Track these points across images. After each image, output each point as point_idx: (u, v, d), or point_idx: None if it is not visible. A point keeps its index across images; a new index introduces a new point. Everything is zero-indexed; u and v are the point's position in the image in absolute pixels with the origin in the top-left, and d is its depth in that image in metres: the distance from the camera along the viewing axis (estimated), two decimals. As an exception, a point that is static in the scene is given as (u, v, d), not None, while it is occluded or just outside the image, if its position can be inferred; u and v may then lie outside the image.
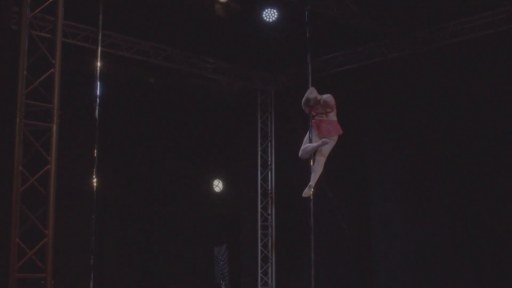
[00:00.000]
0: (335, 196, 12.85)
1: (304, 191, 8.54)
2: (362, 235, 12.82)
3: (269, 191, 14.15)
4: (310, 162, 8.54)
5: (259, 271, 13.83)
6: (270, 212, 14.09)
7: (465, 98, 11.36)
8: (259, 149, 14.29)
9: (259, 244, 13.93)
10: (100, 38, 9.93)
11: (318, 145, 8.23)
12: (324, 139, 8.15)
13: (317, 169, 8.31)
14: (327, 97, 8.28)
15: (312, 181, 8.36)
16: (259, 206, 14.07)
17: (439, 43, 11.54)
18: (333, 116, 8.36)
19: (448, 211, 11.62)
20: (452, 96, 11.56)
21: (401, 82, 12.32)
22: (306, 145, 8.37)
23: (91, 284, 9.42)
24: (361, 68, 12.62)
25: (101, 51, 9.98)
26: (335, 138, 8.29)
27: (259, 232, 13.97)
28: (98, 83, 9.89)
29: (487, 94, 11.07)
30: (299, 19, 10.48)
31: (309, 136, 8.32)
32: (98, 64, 9.87)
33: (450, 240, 11.57)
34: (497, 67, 10.98)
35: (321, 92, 8.47)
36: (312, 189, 8.55)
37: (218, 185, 14.66)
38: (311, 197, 9.00)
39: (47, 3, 7.81)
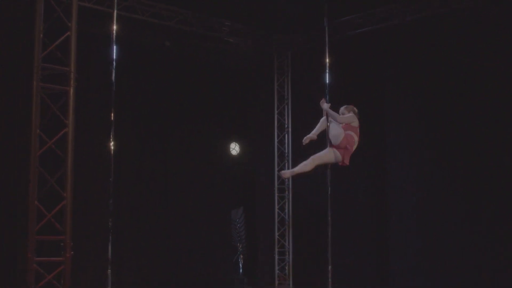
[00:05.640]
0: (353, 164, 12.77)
1: (284, 172, 8.61)
2: (379, 202, 12.78)
3: (286, 154, 14.14)
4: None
5: (276, 234, 13.88)
6: (287, 175, 14.06)
7: (487, 62, 11.07)
8: (276, 112, 14.24)
9: (276, 207, 13.96)
10: (116, 1, 9.91)
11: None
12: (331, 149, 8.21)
13: (308, 164, 8.21)
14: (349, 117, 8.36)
15: (297, 170, 8.27)
16: (276, 169, 14.06)
17: (459, 4, 11.32)
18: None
19: (467, 183, 11.43)
20: (473, 60, 11.31)
21: (420, 45, 12.12)
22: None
23: (109, 246, 9.54)
24: (379, 30, 12.45)
25: (117, 14, 9.96)
26: (339, 156, 8.29)
27: (276, 195, 13.99)
28: (114, 46, 9.89)
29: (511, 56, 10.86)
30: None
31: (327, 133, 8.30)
32: (114, 27, 9.85)
33: (468, 213, 11.40)
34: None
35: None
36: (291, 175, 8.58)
37: (235, 148, 14.70)
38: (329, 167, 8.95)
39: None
